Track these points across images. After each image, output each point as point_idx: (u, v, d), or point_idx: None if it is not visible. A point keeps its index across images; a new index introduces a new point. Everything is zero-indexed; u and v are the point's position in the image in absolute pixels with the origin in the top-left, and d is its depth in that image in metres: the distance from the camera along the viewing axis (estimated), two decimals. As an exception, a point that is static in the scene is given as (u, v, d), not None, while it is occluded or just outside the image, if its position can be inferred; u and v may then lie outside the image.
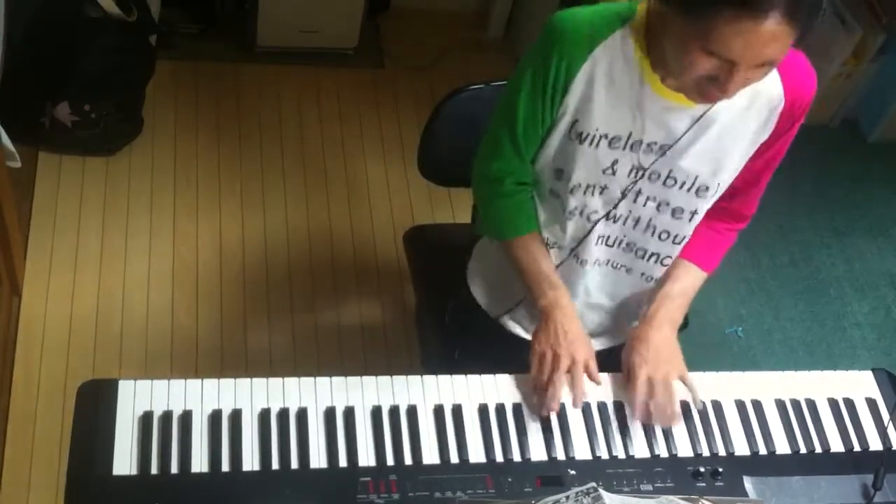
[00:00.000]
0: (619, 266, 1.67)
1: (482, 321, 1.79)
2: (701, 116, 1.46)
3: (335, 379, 1.54)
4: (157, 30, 2.93)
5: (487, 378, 1.59)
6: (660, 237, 1.61)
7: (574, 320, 1.58)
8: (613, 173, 1.52)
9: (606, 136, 1.49)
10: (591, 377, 1.55)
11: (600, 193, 1.55)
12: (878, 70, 3.33)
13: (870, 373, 1.72)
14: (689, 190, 1.54)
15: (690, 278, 1.67)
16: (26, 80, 2.60)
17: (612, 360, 1.67)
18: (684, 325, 1.95)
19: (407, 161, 3.02)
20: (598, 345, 1.79)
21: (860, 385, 1.70)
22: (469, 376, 1.59)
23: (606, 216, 1.58)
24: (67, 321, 2.51)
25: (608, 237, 1.62)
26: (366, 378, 1.56)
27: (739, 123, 1.49)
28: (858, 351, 2.88)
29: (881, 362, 2.83)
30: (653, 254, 1.64)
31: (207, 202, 2.84)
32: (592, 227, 1.60)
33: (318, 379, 1.54)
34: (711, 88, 1.33)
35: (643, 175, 1.52)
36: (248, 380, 1.51)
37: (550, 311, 1.57)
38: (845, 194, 3.30)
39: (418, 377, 1.57)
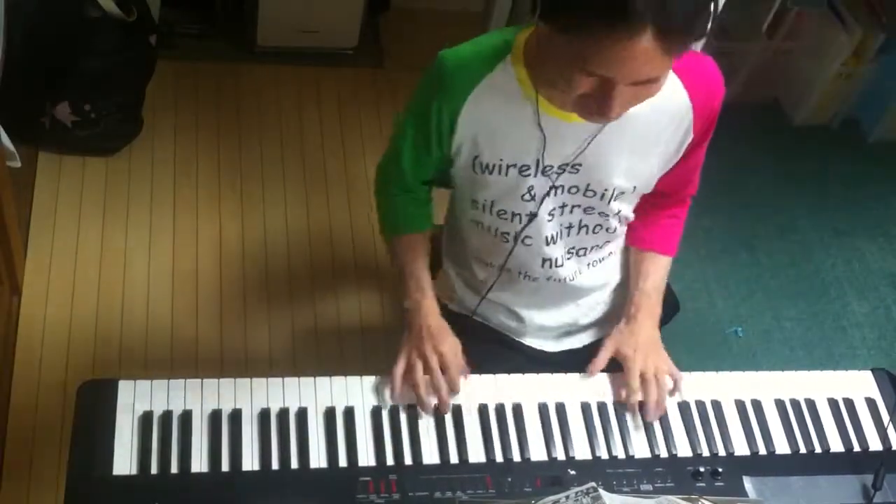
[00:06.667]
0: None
1: (466, 324, 1.79)
2: (602, 129, 1.46)
3: (335, 379, 1.54)
4: (157, 30, 2.93)
5: (487, 378, 1.59)
6: (594, 231, 1.63)
7: (436, 318, 1.61)
8: (532, 198, 1.54)
9: (515, 166, 1.50)
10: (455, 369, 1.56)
11: (528, 220, 1.57)
12: (878, 70, 3.33)
13: (869, 373, 1.72)
14: (609, 201, 1.56)
15: (660, 270, 1.72)
16: (26, 80, 2.60)
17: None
18: (676, 309, 1.96)
19: (407, 161, 3.01)
20: (588, 338, 1.81)
21: (860, 385, 1.70)
22: (469, 376, 1.59)
23: (546, 240, 1.61)
24: (67, 321, 2.52)
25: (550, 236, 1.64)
26: (366, 378, 1.56)
27: (649, 132, 1.49)
28: (858, 351, 2.88)
29: (881, 362, 2.83)
30: (591, 247, 1.67)
31: (207, 202, 2.84)
32: (533, 249, 1.62)
33: (318, 379, 1.54)
34: (592, 108, 1.31)
35: (563, 191, 1.54)
36: (248, 380, 1.51)
37: (412, 314, 1.61)
38: (845, 194, 3.29)
39: (418, 377, 1.57)
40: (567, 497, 1.41)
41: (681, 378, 1.62)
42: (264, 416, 1.48)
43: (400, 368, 1.55)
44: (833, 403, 1.66)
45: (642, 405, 1.58)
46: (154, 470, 1.40)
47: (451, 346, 1.58)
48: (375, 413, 1.52)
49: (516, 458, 1.50)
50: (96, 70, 2.66)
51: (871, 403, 1.67)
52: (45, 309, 2.53)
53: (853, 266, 3.10)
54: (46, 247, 2.65)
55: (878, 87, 3.37)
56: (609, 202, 1.56)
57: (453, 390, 1.54)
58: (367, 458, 1.46)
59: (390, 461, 1.47)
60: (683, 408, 1.61)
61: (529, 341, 1.79)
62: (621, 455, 1.53)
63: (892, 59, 3.28)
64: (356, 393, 1.53)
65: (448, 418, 1.53)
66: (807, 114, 3.42)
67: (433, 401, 1.53)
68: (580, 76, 1.26)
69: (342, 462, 1.45)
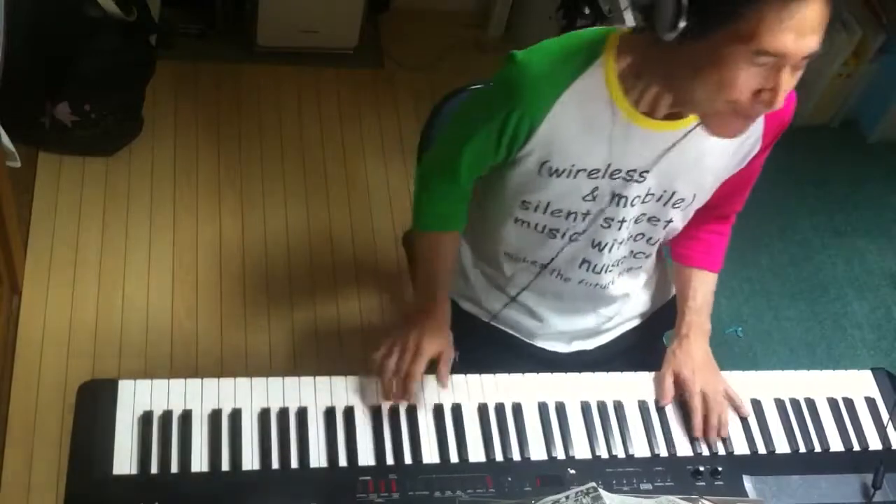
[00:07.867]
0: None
1: (478, 326, 1.79)
2: (683, 137, 1.44)
3: (335, 379, 1.54)
4: (157, 30, 2.92)
5: (487, 378, 1.59)
6: (635, 240, 1.62)
7: (442, 323, 1.60)
8: (594, 199, 1.52)
9: (585, 170, 1.47)
10: (438, 376, 1.56)
11: (583, 218, 1.54)
12: (878, 70, 3.33)
13: (869, 373, 1.72)
14: (665, 204, 1.55)
15: (707, 286, 1.72)
16: (26, 80, 2.60)
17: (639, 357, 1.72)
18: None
19: (407, 161, 3.02)
20: (600, 340, 1.80)
21: (860, 385, 1.70)
22: (469, 376, 1.59)
23: (592, 243, 1.59)
24: (67, 321, 2.52)
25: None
26: (365, 378, 1.56)
27: (721, 146, 1.47)
28: (858, 351, 2.88)
29: (881, 362, 2.83)
30: (630, 256, 1.66)
31: (207, 202, 2.84)
32: (578, 246, 1.60)
33: (317, 379, 1.54)
34: (757, 104, 1.27)
35: (625, 203, 1.52)
36: (248, 379, 1.51)
37: (419, 313, 1.60)
38: (845, 194, 3.30)
39: (418, 377, 1.57)
40: (567, 497, 1.41)
41: (737, 395, 1.62)
42: (264, 416, 1.48)
43: (381, 353, 1.56)
44: (833, 403, 1.66)
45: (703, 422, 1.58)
46: (154, 470, 1.40)
47: (438, 345, 1.56)
48: (375, 413, 1.52)
49: (516, 457, 1.50)
50: (96, 70, 2.66)
51: (871, 403, 1.67)
52: (45, 309, 2.53)
53: (853, 266, 3.10)
54: (46, 247, 2.65)
55: (878, 87, 3.37)
56: (669, 206, 1.54)
57: (410, 378, 1.52)
58: (367, 457, 1.46)
59: (390, 461, 1.47)
60: (684, 407, 1.61)
61: (542, 343, 1.78)
62: (621, 454, 1.53)
63: (892, 59, 3.28)
64: (356, 393, 1.53)
65: (448, 418, 1.53)
66: (807, 114, 3.42)
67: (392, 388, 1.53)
68: (746, 68, 1.22)
69: (342, 462, 1.45)
